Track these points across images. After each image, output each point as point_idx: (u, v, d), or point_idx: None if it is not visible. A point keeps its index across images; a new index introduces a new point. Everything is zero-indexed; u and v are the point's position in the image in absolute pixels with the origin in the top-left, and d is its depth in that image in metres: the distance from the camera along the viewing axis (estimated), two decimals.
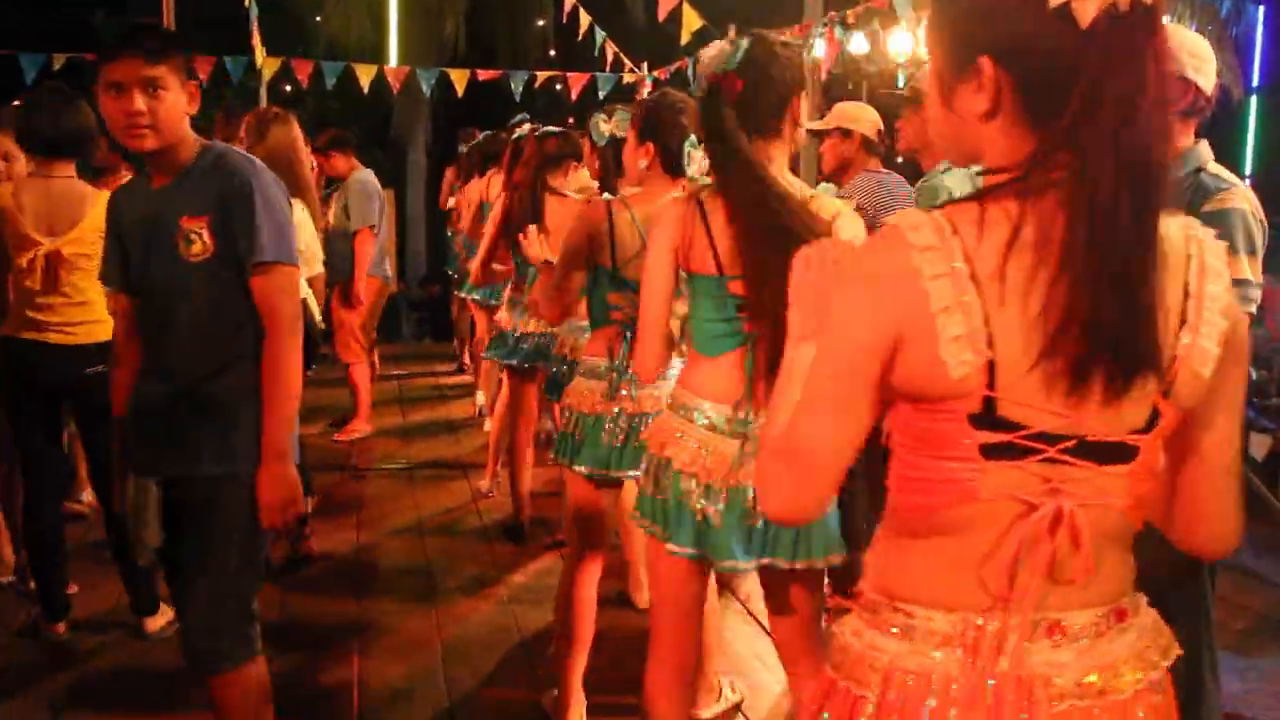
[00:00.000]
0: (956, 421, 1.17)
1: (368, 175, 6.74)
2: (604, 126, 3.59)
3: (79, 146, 3.69)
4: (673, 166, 3.05)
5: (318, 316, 4.40)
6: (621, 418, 3.05)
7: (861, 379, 1.19)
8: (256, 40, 8.89)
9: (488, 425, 6.44)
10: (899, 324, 1.15)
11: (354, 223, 6.51)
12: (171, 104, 2.41)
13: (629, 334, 3.04)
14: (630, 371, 2.99)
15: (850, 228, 2.27)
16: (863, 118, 4.40)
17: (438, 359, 9.51)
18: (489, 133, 7.13)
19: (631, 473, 3.01)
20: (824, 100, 6.51)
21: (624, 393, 3.05)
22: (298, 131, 4.68)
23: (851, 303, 1.20)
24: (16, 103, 4.18)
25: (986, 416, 1.16)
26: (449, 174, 9.92)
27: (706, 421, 2.30)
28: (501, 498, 5.51)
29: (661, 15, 7.48)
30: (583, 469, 3.09)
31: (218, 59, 8.91)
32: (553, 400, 3.94)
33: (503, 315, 4.95)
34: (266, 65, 9.08)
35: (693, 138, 2.95)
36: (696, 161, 2.98)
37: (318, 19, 14.34)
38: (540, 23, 15.56)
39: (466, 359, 8.64)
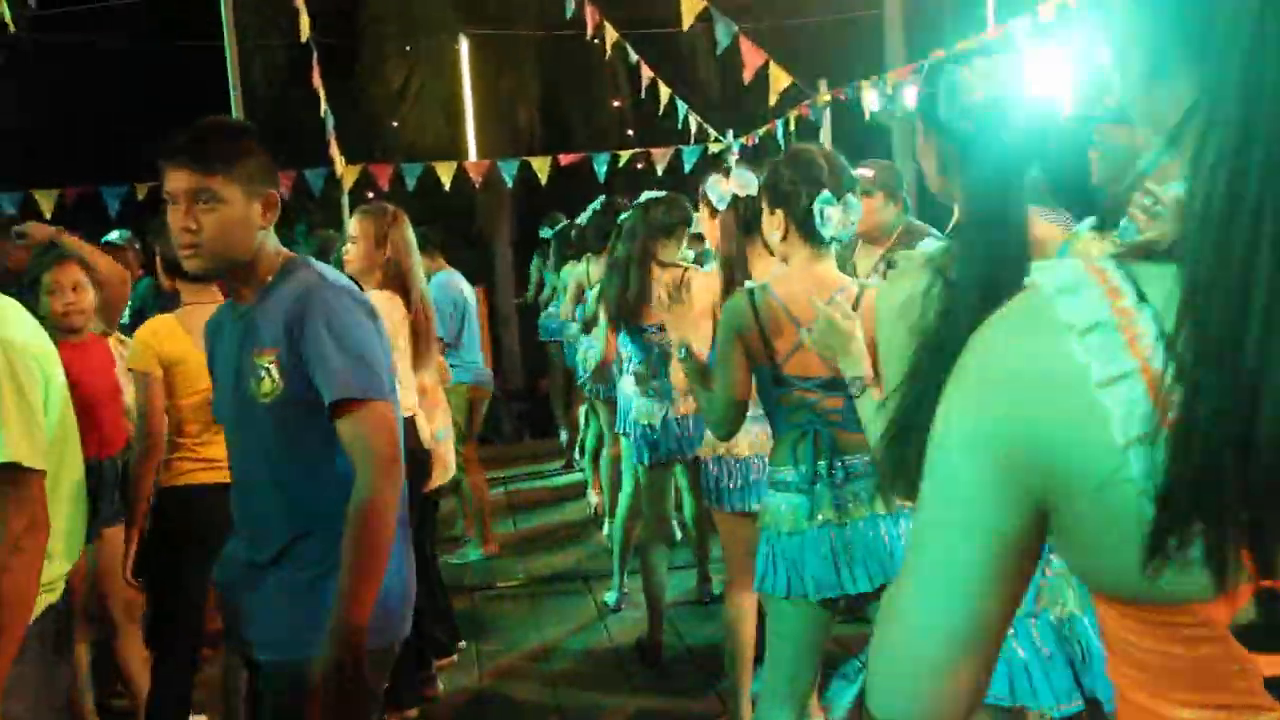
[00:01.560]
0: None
1: (444, 277, 6.27)
2: (722, 185, 3.14)
3: None
4: (809, 233, 2.60)
5: (426, 434, 3.97)
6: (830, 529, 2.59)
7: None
8: (335, 149, 8.72)
9: (606, 529, 5.97)
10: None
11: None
12: (227, 218, 2.03)
13: (815, 433, 2.59)
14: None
15: None
16: None
17: (543, 457, 9.08)
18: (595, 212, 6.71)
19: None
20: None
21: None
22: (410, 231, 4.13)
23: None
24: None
25: None
26: (536, 261, 9.66)
27: None
28: (631, 609, 5.01)
29: (748, 76, 7.08)
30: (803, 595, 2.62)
31: (298, 172, 8.76)
32: (712, 507, 3.46)
33: (639, 405, 4.43)
34: (347, 173, 8.90)
35: (826, 193, 2.51)
36: (835, 221, 2.53)
37: (394, 123, 14.33)
38: (616, 104, 15.38)
39: (576, 454, 8.19)
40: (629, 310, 4.21)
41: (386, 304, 3.98)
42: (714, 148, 9.45)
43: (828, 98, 6.99)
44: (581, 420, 8.16)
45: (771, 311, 2.60)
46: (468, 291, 6.26)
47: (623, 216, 4.50)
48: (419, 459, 3.76)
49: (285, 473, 2.06)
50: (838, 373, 2.16)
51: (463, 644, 4.74)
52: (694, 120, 9.20)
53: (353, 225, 3.98)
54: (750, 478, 3.26)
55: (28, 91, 14.08)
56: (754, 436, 3.27)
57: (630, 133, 14.99)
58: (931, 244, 1.88)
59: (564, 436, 8.69)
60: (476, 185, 9.62)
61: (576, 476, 7.77)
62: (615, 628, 4.94)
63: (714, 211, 3.23)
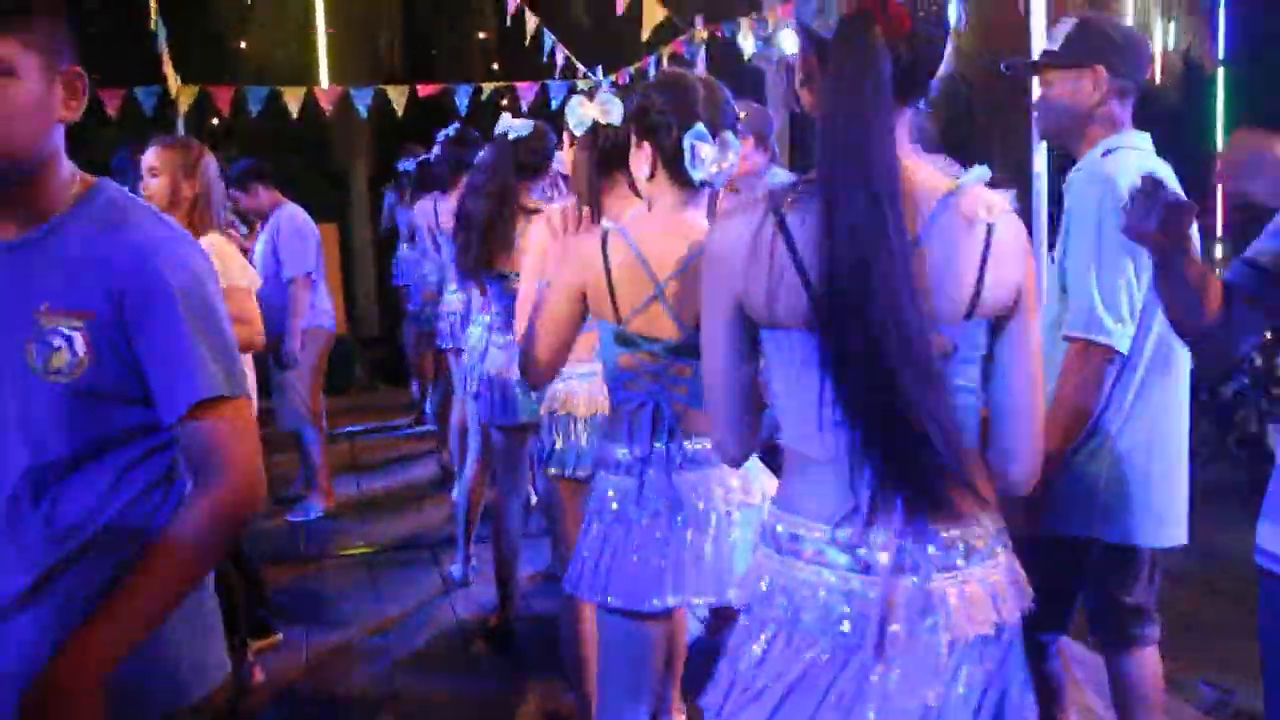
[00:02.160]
0: None
1: (296, 211, 5.79)
2: (584, 110, 2.71)
3: None
4: (679, 172, 2.23)
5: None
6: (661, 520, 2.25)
7: None
8: (168, 66, 7.93)
9: (455, 492, 5.53)
10: None
11: (287, 269, 5.57)
12: (17, 97, 1.48)
13: (654, 409, 2.23)
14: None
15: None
16: None
17: (394, 410, 8.55)
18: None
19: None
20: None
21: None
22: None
23: None
24: None
25: None
26: (388, 198, 9.10)
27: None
28: (482, 586, 4.61)
29: (619, 7, 6.61)
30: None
31: (127, 90, 7.95)
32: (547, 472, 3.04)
33: (493, 357, 3.97)
34: (182, 94, 8.11)
35: (699, 127, 2.15)
36: (709, 160, 2.18)
37: (242, 44, 13.38)
38: (482, 35, 14.70)
39: (427, 407, 7.71)
40: (487, 257, 3.77)
41: (225, 250, 3.50)
42: (582, 85, 8.98)
43: (704, 35, 6.58)
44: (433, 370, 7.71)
45: (623, 258, 2.22)
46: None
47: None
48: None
49: (56, 476, 1.56)
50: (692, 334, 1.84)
51: (282, 628, 4.27)
52: (561, 54, 8.70)
53: (152, 156, 3.51)
54: (590, 441, 2.88)
55: None
56: (590, 395, 2.90)
57: (495, 66, 14.34)
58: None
59: (415, 388, 8.18)
60: (327, 114, 8.94)
61: (430, 431, 7.30)
62: (461, 605, 4.54)
63: (574, 139, 2.80)
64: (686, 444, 2.24)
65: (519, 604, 4.25)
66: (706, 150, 2.20)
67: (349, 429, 7.88)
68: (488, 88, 9.28)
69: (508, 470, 4.05)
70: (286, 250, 5.57)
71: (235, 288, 3.37)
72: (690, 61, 6.96)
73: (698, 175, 2.22)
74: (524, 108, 9.04)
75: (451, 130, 5.25)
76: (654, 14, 6.60)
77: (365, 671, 4.01)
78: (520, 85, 9.06)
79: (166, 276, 1.52)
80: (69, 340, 1.51)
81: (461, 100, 9.02)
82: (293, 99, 8.40)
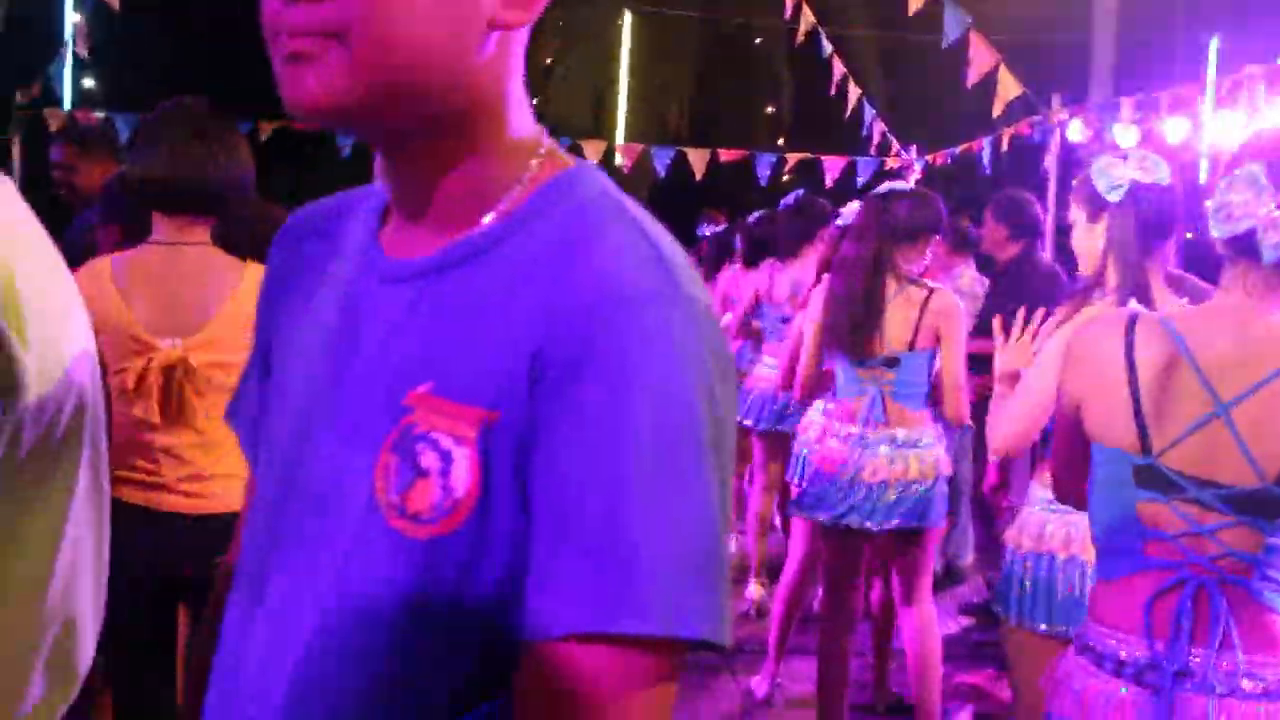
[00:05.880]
0: None
1: None
2: (1117, 170, 2.13)
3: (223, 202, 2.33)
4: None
5: None
6: None
7: None
8: None
9: (753, 590, 4.98)
10: None
11: None
12: None
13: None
14: None
15: None
16: None
17: None
18: (766, 213, 5.76)
19: None
20: None
21: None
22: None
23: None
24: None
25: None
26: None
27: None
28: (786, 709, 4.01)
29: (972, 79, 6.04)
30: None
31: None
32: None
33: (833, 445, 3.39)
34: None
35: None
36: None
37: (534, 100, 13.60)
38: (770, 110, 14.46)
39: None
40: (853, 338, 3.23)
41: None
42: (891, 163, 8.46)
43: (1064, 116, 5.91)
44: None
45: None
46: None
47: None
48: None
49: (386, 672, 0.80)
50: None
51: None
52: (879, 129, 8.21)
53: None
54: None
55: None
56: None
57: (780, 141, 14.03)
58: None
59: None
60: (624, 170, 8.76)
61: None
62: None
63: (1096, 211, 2.21)
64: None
65: None
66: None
67: None
68: (793, 158, 8.91)
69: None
70: None
71: None
72: (1039, 145, 6.32)
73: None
74: (827, 183, 8.60)
75: (792, 199, 4.80)
76: (1008, 89, 5.98)
77: None
78: (826, 158, 8.63)
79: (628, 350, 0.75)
80: (446, 460, 0.78)
81: (763, 170, 8.67)
82: (591, 153, 8.28)
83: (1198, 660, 1.57)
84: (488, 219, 0.83)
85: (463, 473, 0.76)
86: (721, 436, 0.77)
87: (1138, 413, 1.63)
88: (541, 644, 0.72)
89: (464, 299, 0.81)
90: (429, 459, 0.77)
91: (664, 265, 0.78)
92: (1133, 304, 1.78)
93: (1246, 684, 1.56)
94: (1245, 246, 1.57)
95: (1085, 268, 2.30)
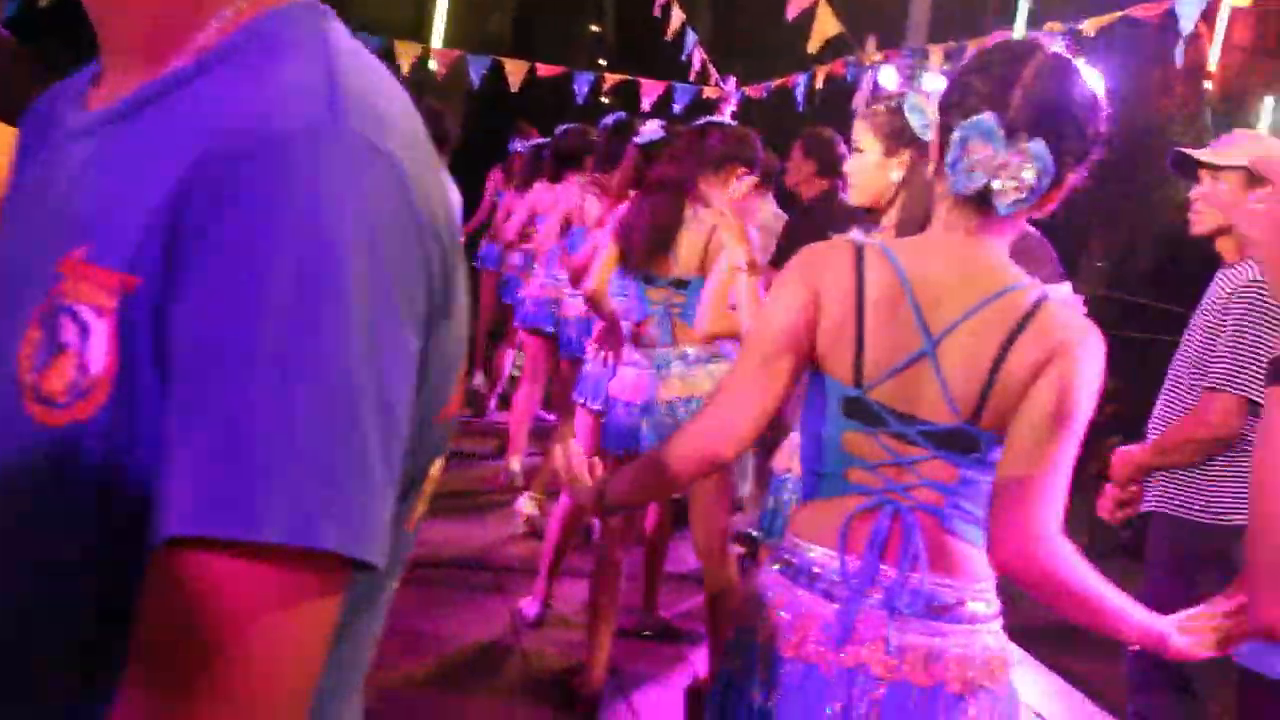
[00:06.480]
0: None
1: None
2: (926, 104, 2.10)
3: None
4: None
5: None
6: None
7: None
8: None
9: (525, 505, 4.90)
10: None
11: None
12: None
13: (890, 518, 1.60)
14: None
15: None
16: None
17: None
18: (573, 126, 5.64)
19: None
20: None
21: None
22: None
23: None
24: None
25: None
26: (494, 177, 8.52)
27: None
28: (554, 628, 3.98)
29: (792, 13, 6.03)
30: None
31: None
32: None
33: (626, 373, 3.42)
34: None
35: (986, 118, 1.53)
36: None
37: None
38: (594, 29, 14.24)
39: (492, 403, 7.09)
40: (646, 256, 3.22)
41: None
42: (709, 92, 8.42)
43: (879, 59, 5.97)
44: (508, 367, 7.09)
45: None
46: None
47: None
48: None
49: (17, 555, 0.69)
50: None
51: None
52: (699, 57, 8.14)
53: None
54: None
55: None
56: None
57: (602, 61, 13.84)
58: None
59: (478, 379, 7.45)
60: (438, 76, 8.45)
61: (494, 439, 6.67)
62: (535, 655, 3.91)
63: (897, 146, 2.17)
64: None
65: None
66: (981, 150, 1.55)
67: None
68: (611, 79, 8.77)
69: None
70: None
71: None
72: (851, 85, 6.38)
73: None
74: (644, 107, 8.50)
75: (612, 120, 4.66)
76: (826, 27, 6.00)
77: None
78: (645, 82, 8.53)
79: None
80: (84, 334, 0.67)
81: (581, 89, 8.52)
82: (405, 56, 7.95)
83: (887, 578, 1.59)
84: (178, 62, 0.72)
85: (99, 348, 0.66)
86: (390, 301, 0.66)
87: (859, 345, 1.60)
88: (155, 549, 0.62)
89: (134, 149, 0.71)
90: (69, 333, 0.67)
91: (334, 100, 0.67)
92: (855, 234, 1.74)
93: (926, 605, 1.59)
94: (981, 198, 1.55)
95: (862, 199, 2.28)
